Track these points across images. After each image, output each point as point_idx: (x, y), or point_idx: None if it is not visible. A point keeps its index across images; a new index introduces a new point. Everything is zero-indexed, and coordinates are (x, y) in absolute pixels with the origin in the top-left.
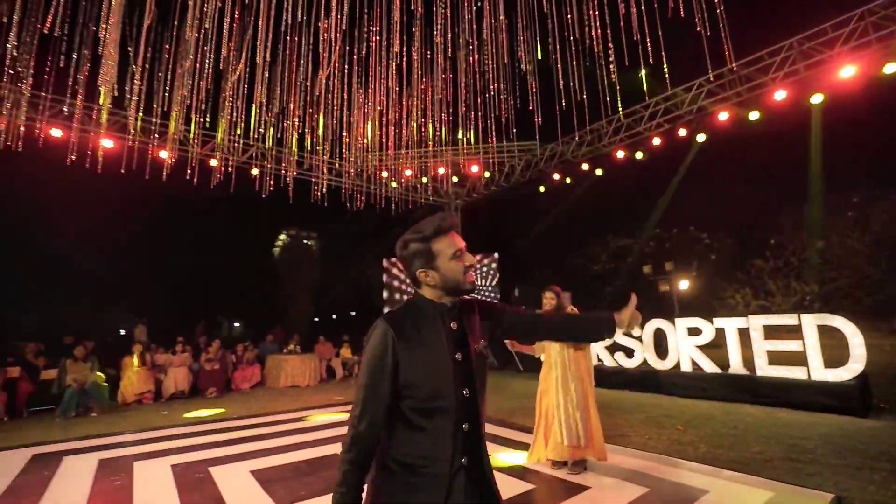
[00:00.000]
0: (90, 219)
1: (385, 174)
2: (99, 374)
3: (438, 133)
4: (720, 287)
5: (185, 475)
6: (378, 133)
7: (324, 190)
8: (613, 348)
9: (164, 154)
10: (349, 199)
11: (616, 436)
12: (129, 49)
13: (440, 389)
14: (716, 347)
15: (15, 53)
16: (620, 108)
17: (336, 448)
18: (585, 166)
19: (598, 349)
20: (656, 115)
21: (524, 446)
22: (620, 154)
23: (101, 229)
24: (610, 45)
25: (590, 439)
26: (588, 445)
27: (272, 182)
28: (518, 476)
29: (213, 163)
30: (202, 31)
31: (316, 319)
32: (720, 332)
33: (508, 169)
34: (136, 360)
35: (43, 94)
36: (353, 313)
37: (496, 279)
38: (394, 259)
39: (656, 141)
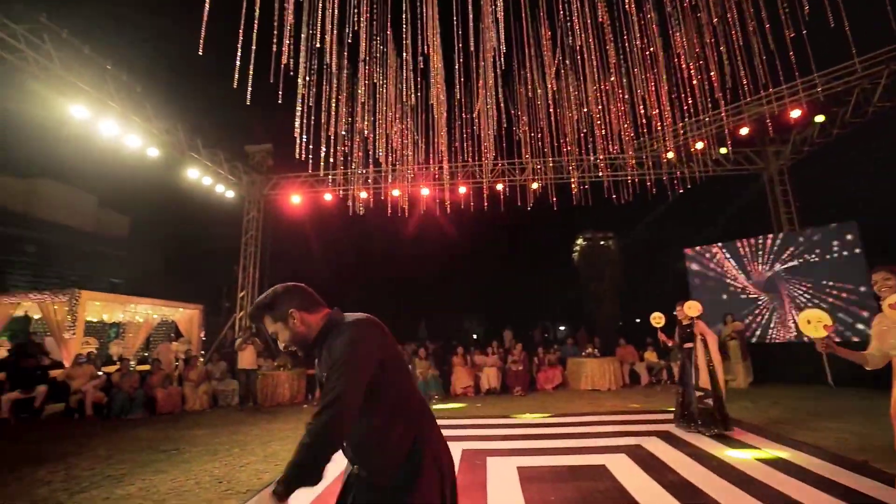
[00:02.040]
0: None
1: (670, 155)
2: (435, 371)
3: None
4: None
5: (469, 459)
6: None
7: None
8: None
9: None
10: (636, 188)
11: None
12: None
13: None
14: None
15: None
16: None
17: (606, 459)
18: None
19: None
20: None
21: None
22: None
23: (443, 256)
24: None
25: None
26: None
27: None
28: None
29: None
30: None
31: (632, 321)
32: None
33: (856, 99)
34: (460, 361)
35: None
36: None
37: (857, 254)
38: (698, 248)
39: None
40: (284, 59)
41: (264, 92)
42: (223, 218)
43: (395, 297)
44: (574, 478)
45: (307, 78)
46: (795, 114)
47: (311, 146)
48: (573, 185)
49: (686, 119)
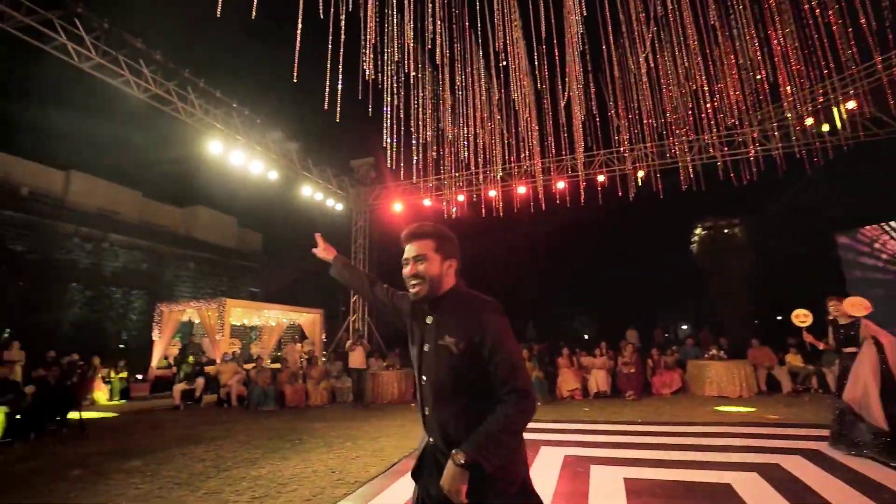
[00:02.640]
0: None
1: (809, 121)
2: (539, 372)
3: None
4: None
5: (571, 466)
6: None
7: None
8: None
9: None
10: (759, 166)
11: None
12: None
13: (414, 376)
14: None
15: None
16: None
17: (732, 477)
18: None
19: None
20: None
21: None
22: None
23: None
24: None
25: None
26: None
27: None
28: None
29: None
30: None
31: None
32: None
33: None
34: (565, 362)
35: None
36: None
37: None
38: (858, 230)
39: None
40: (371, 74)
41: (361, 107)
42: (335, 228)
43: (501, 297)
44: (690, 496)
45: (394, 88)
46: None
47: (404, 154)
48: (688, 167)
49: (826, 78)
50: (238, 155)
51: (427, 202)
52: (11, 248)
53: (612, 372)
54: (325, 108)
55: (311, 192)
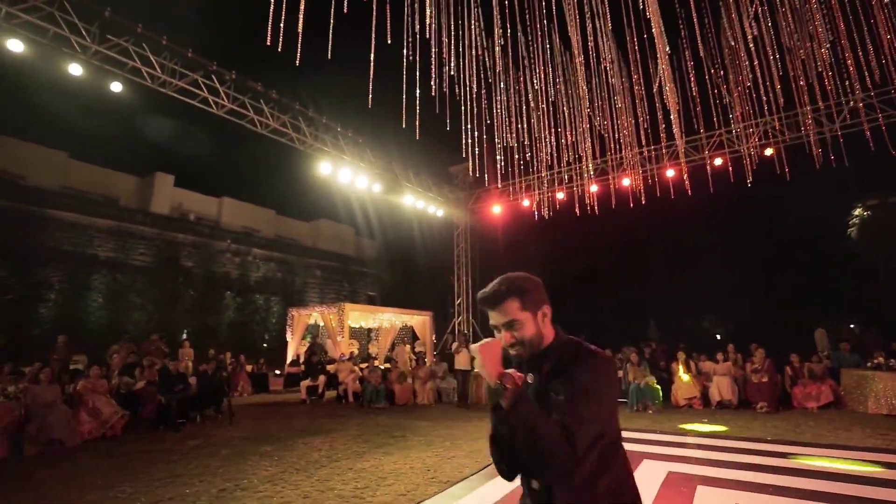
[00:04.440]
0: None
1: None
2: (650, 377)
3: None
4: None
5: (673, 484)
6: None
7: None
8: None
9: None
10: None
11: None
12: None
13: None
14: None
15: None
16: None
17: None
18: None
19: None
20: None
21: None
22: None
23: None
24: None
25: None
26: None
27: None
28: None
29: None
30: None
31: None
32: None
33: None
34: (681, 367)
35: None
36: None
37: None
38: None
39: None
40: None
41: (450, 112)
42: (439, 234)
43: (616, 294)
44: None
45: (475, 92)
46: None
47: (500, 157)
48: (825, 140)
49: None
50: (345, 172)
51: (525, 202)
52: (184, 265)
53: (741, 380)
54: (417, 120)
55: (413, 201)
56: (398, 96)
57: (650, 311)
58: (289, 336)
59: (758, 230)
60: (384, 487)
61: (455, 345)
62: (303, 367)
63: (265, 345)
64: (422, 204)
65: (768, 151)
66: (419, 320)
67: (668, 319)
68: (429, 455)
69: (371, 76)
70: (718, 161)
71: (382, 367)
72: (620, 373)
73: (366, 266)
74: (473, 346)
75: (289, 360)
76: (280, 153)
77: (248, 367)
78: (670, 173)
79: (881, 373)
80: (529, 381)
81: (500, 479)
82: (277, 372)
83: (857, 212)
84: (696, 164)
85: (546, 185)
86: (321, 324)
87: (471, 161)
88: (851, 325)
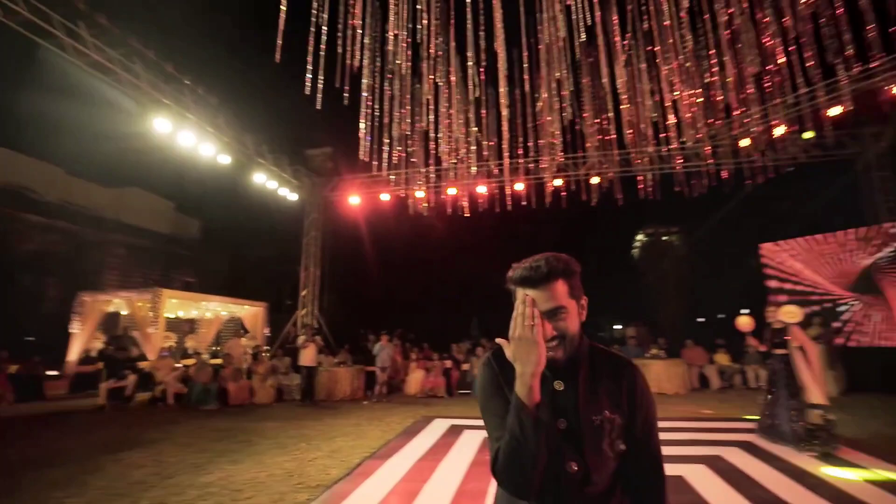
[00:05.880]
0: None
1: (745, 142)
2: None
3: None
4: None
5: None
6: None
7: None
8: None
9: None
10: (710, 180)
11: None
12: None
13: (508, 451)
14: None
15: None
16: None
17: (683, 469)
18: None
19: None
20: None
21: None
22: None
23: None
24: None
25: None
26: None
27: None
28: None
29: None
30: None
31: (701, 320)
32: None
33: None
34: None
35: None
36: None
37: None
38: (776, 243)
39: None
40: (349, 62)
41: (326, 96)
42: (286, 220)
43: (449, 295)
44: None
45: (368, 80)
46: None
47: (370, 147)
48: (648, 177)
49: (767, 102)
50: (187, 136)
51: (385, 196)
52: None
53: None
54: (299, 93)
55: (265, 180)
56: (270, 59)
57: (472, 312)
58: (75, 327)
59: (569, 248)
60: (243, 502)
61: (301, 339)
62: (101, 364)
63: (31, 337)
64: (274, 184)
65: (557, 182)
66: (250, 311)
67: (491, 318)
68: (286, 459)
69: (238, 31)
70: (557, 182)
71: (213, 364)
72: (467, 366)
73: (184, 248)
74: (519, 335)
75: (74, 356)
76: (88, 95)
77: (12, 368)
78: (482, 189)
79: (655, 361)
80: (559, 389)
81: (375, 477)
82: (56, 373)
83: (640, 237)
84: (538, 181)
85: (407, 182)
86: (124, 312)
87: (354, 143)
88: (634, 325)
